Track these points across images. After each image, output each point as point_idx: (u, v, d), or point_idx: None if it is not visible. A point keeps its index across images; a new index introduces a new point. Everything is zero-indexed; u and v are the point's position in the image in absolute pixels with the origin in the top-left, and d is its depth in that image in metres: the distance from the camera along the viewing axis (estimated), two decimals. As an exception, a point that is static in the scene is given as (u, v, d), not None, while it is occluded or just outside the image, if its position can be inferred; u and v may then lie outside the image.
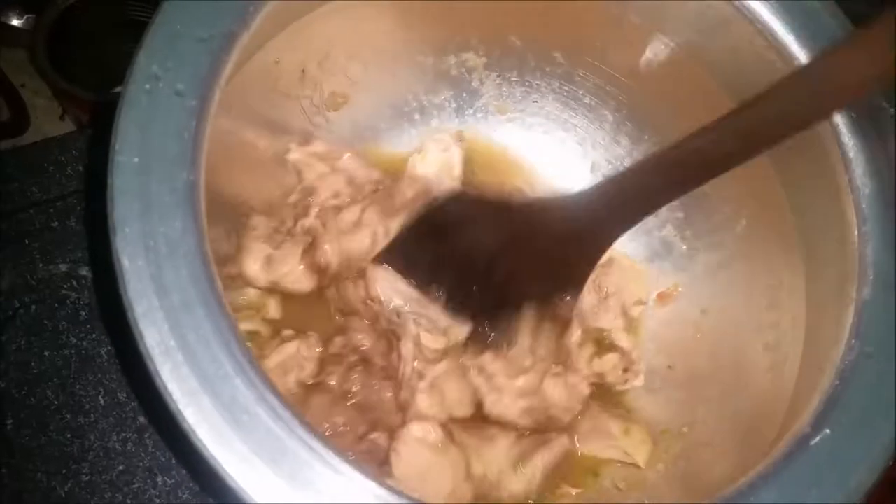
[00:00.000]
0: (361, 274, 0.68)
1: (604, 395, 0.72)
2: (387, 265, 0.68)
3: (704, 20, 0.62)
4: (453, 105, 0.81)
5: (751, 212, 0.69)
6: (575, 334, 0.71)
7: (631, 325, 0.75)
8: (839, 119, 0.56)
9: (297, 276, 0.68)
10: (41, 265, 0.75)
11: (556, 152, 0.81)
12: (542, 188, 0.80)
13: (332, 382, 0.65)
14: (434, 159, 0.76)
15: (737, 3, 0.60)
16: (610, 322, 0.73)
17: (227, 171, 0.63)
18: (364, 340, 0.67)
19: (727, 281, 0.72)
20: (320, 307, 0.71)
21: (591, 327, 0.73)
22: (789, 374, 0.58)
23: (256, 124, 0.67)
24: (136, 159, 0.45)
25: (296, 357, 0.65)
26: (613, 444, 0.68)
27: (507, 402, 0.67)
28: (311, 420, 0.60)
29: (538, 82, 0.79)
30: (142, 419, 0.69)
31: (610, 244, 0.63)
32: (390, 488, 0.42)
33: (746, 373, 0.66)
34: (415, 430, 0.61)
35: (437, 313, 0.68)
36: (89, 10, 1.13)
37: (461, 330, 0.68)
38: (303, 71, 0.70)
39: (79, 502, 0.67)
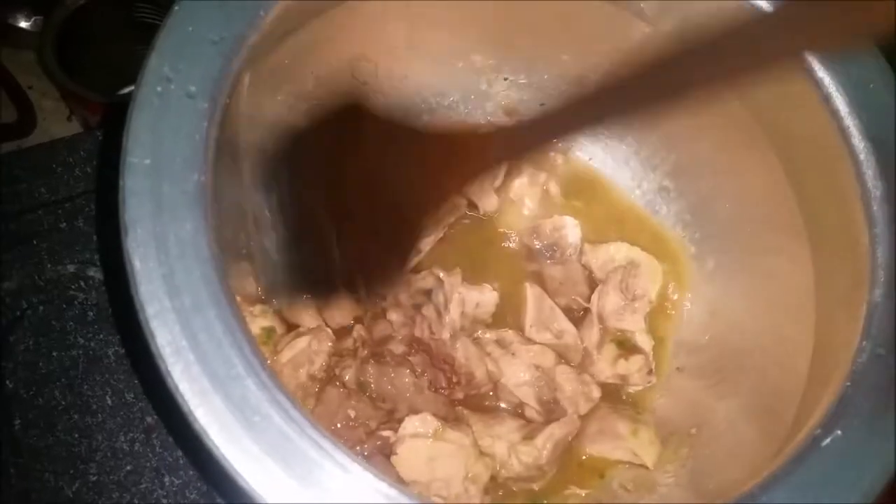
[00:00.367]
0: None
1: (612, 396, 0.72)
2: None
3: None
4: (461, 107, 0.81)
5: (759, 214, 0.69)
6: (594, 335, 0.72)
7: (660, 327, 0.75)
8: (850, 120, 0.56)
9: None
10: (49, 266, 0.75)
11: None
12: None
13: (347, 377, 0.65)
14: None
15: (747, 3, 0.59)
16: (634, 324, 0.73)
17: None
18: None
19: (736, 283, 0.72)
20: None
21: (612, 328, 0.73)
22: (799, 376, 0.58)
23: (264, 128, 0.67)
24: (148, 161, 0.45)
25: (307, 352, 0.65)
26: (621, 445, 0.67)
27: (520, 371, 0.68)
28: (323, 414, 0.63)
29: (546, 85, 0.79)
30: (149, 419, 0.70)
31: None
32: (400, 488, 0.42)
33: (755, 374, 0.66)
34: (408, 427, 0.62)
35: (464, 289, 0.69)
36: (97, 12, 1.13)
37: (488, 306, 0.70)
38: (312, 73, 0.70)
39: (86, 502, 0.67)
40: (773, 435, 0.56)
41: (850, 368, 0.50)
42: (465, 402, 0.68)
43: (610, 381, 0.71)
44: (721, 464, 0.62)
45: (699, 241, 0.76)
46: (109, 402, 0.71)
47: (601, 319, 0.72)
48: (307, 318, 0.68)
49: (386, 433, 0.63)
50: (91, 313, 0.74)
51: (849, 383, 0.50)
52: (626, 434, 0.67)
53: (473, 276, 0.72)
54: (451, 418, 0.66)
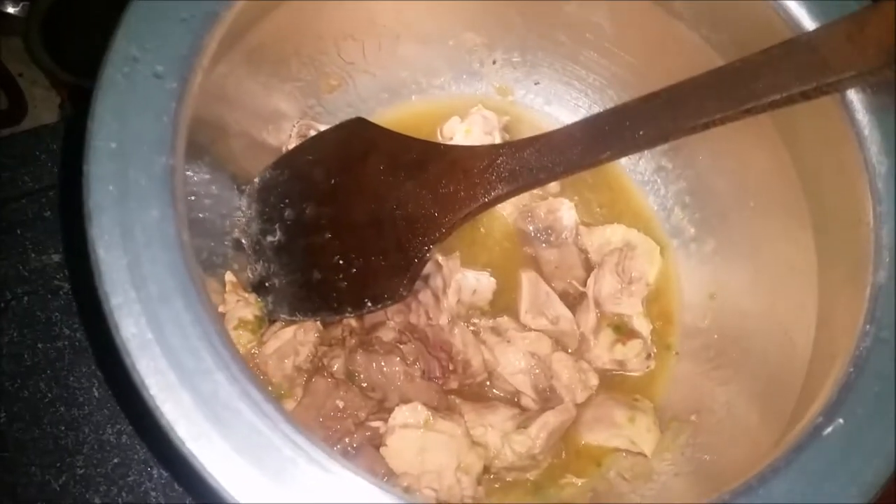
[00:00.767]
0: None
1: (609, 382, 0.70)
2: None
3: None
4: (453, 87, 0.79)
5: (759, 193, 0.66)
6: (590, 320, 0.70)
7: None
8: (853, 95, 0.54)
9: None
10: (34, 255, 0.74)
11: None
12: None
13: (335, 366, 0.64)
14: (476, 138, 0.74)
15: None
16: (631, 308, 0.71)
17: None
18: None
19: (736, 265, 0.70)
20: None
21: (610, 313, 0.71)
22: (800, 361, 0.56)
23: (245, 109, 0.65)
24: (113, 145, 0.43)
25: (293, 342, 0.64)
26: (619, 433, 0.66)
27: (515, 359, 0.67)
28: (311, 405, 0.61)
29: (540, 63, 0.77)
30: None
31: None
32: (381, 485, 0.41)
33: (755, 359, 0.64)
34: (398, 417, 0.60)
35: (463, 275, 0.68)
36: (84, -4, 1.11)
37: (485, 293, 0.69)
38: (295, 53, 0.68)
39: (74, 496, 0.66)
40: (774, 422, 0.54)
41: (854, 353, 0.48)
42: (459, 391, 0.67)
43: (607, 367, 0.70)
44: (721, 451, 0.61)
45: (699, 221, 0.74)
46: (96, 393, 0.69)
47: (598, 304, 0.70)
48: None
49: (375, 424, 0.61)
50: (77, 304, 0.72)
51: (852, 369, 0.48)
52: (624, 421, 0.66)
53: (467, 261, 0.71)
54: (442, 407, 0.64)
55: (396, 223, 0.64)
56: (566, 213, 0.73)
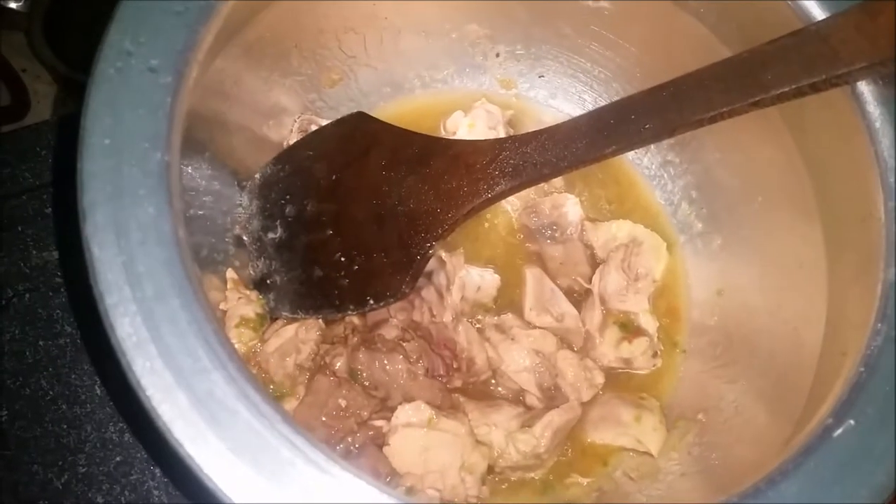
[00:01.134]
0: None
1: (615, 381, 0.69)
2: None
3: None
4: (456, 81, 0.78)
5: (767, 187, 0.65)
6: (596, 318, 0.69)
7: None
8: (863, 87, 0.52)
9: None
10: (35, 252, 0.73)
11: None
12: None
13: (337, 365, 0.63)
14: (479, 132, 0.73)
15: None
16: (637, 305, 0.70)
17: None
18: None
19: (744, 261, 0.69)
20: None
21: (616, 310, 0.70)
22: (809, 360, 0.55)
23: (245, 104, 0.64)
24: (108, 141, 0.43)
25: (294, 340, 0.63)
26: (625, 432, 0.65)
27: (520, 357, 0.66)
28: (313, 404, 0.60)
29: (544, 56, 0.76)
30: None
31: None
32: (381, 487, 0.40)
33: (763, 357, 0.63)
34: (401, 416, 0.59)
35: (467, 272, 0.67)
36: (87, -9, 1.11)
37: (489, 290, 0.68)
38: (295, 46, 0.67)
39: (76, 494, 0.65)
40: (782, 421, 0.53)
41: (865, 353, 0.47)
42: (463, 389, 0.66)
43: (613, 365, 0.69)
44: (728, 451, 0.60)
45: (706, 217, 0.72)
46: (98, 391, 0.69)
47: (603, 301, 0.69)
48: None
49: (378, 423, 0.60)
50: (72, 302, 0.72)
51: (863, 368, 0.47)
52: (630, 420, 0.65)
53: (471, 257, 0.70)
54: (446, 406, 0.63)
55: (399, 219, 0.63)
56: (571, 208, 0.72)
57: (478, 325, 0.68)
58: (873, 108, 0.52)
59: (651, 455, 0.64)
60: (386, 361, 0.63)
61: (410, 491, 0.58)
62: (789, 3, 0.55)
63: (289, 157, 0.67)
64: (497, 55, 0.76)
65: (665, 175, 0.75)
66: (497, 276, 0.70)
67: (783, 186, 0.62)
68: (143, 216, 0.41)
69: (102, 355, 0.68)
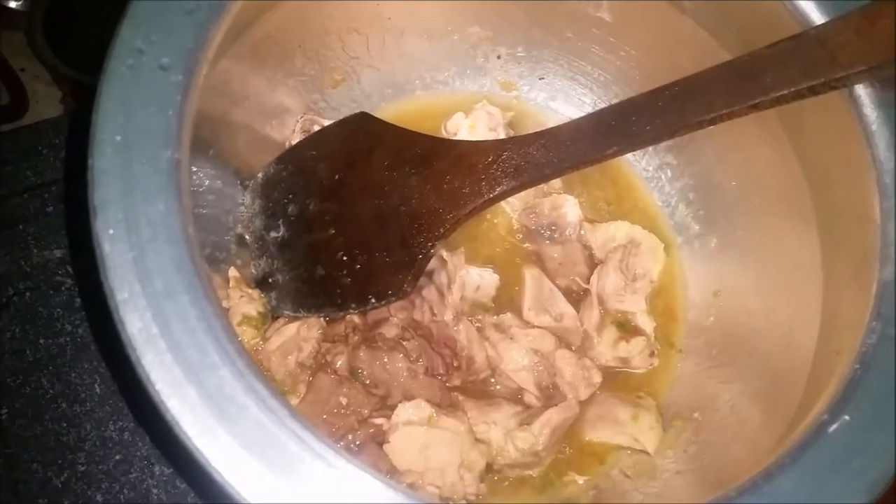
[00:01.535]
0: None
1: (613, 380, 0.70)
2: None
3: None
4: (457, 82, 0.78)
5: (764, 189, 0.66)
6: (594, 318, 0.69)
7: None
8: (861, 90, 0.53)
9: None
10: (35, 251, 0.74)
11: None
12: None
13: (338, 363, 0.63)
14: (480, 134, 0.74)
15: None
16: (635, 305, 0.71)
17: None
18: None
19: (740, 262, 0.70)
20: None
21: (613, 310, 0.71)
22: (804, 359, 0.56)
23: (249, 104, 0.64)
24: (118, 138, 0.43)
25: (296, 339, 0.63)
26: (622, 431, 0.66)
27: (518, 356, 0.66)
28: (314, 402, 0.61)
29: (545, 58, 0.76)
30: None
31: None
32: (386, 481, 0.40)
33: (759, 358, 0.63)
34: (401, 414, 0.60)
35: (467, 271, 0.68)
36: (87, -9, 1.11)
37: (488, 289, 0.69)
38: (300, 46, 0.67)
39: (75, 493, 0.65)
40: (777, 420, 0.54)
41: (859, 350, 0.48)
42: (462, 387, 0.66)
43: (611, 364, 0.69)
44: (724, 449, 0.60)
45: (703, 218, 0.73)
46: (98, 390, 0.69)
47: (601, 301, 0.70)
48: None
49: (379, 421, 0.61)
50: (79, 299, 0.72)
51: (858, 366, 0.47)
52: (627, 419, 0.65)
53: (470, 257, 0.70)
54: (445, 404, 0.64)
55: (401, 219, 0.63)
56: (570, 209, 0.73)
57: (477, 325, 0.68)
58: (870, 111, 0.53)
59: (647, 453, 0.65)
60: (386, 360, 0.63)
61: (410, 488, 0.58)
62: (788, 7, 0.56)
63: (292, 157, 0.67)
64: (498, 57, 0.77)
65: (663, 177, 0.76)
66: (496, 276, 0.70)
67: (780, 188, 0.63)
68: (153, 213, 0.41)
69: (111, 351, 0.69)
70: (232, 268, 0.64)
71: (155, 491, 0.66)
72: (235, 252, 0.66)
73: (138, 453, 0.67)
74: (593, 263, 0.73)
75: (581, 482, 0.65)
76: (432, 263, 0.67)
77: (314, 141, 0.68)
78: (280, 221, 0.65)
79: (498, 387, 0.68)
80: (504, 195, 0.63)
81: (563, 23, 0.72)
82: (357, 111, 0.70)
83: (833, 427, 0.46)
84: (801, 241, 0.60)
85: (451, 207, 0.62)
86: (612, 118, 0.59)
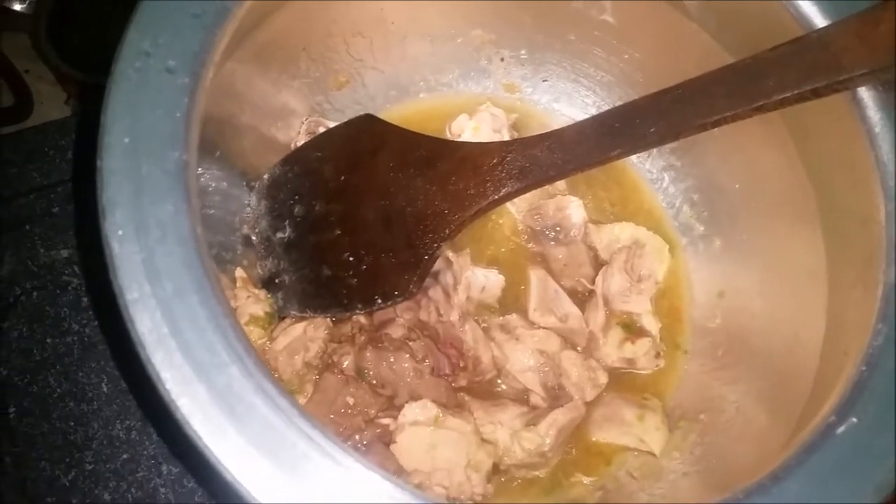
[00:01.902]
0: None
1: (618, 381, 0.70)
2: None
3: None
4: (461, 85, 0.79)
5: (768, 191, 0.66)
6: (599, 318, 0.70)
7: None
8: (864, 92, 0.53)
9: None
10: (42, 251, 0.74)
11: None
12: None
13: (345, 363, 0.64)
14: (484, 136, 0.74)
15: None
16: (640, 306, 0.71)
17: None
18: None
19: (745, 263, 0.70)
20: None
21: (619, 311, 0.71)
22: (810, 361, 0.56)
23: (255, 106, 0.65)
24: (127, 140, 0.43)
25: (303, 339, 0.64)
26: (628, 432, 0.66)
27: (524, 356, 0.67)
28: (321, 402, 0.61)
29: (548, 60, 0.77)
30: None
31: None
32: (394, 481, 0.41)
33: (765, 359, 0.63)
34: (408, 414, 0.60)
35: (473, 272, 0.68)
36: (92, -8, 1.11)
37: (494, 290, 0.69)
38: (304, 49, 0.68)
39: (83, 491, 0.66)
40: (783, 422, 0.54)
41: (866, 352, 0.48)
42: (468, 388, 0.67)
43: (616, 365, 0.69)
44: (730, 451, 0.60)
45: (707, 219, 0.73)
46: (105, 389, 0.70)
47: (606, 302, 0.70)
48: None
49: (385, 421, 0.61)
50: (85, 299, 0.72)
51: (864, 368, 0.47)
52: (633, 420, 0.66)
53: (476, 258, 0.71)
54: (452, 405, 0.64)
55: (406, 220, 0.64)
56: (575, 210, 0.73)
57: (483, 325, 0.68)
58: (873, 113, 0.53)
59: (654, 454, 0.65)
60: (393, 360, 0.63)
61: (418, 488, 0.58)
62: (791, 10, 0.56)
63: (297, 158, 0.68)
64: (501, 60, 0.77)
65: (667, 178, 0.76)
66: (501, 277, 0.70)
67: (784, 190, 0.63)
68: (162, 214, 0.42)
69: (118, 350, 0.69)
70: (239, 268, 0.65)
71: (162, 490, 0.66)
72: (242, 252, 0.66)
73: (146, 452, 0.67)
74: (598, 264, 0.73)
75: (587, 483, 0.65)
76: (438, 264, 0.67)
77: (319, 142, 0.69)
78: (286, 222, 0.65)
79: (504, 387, 0.68)
80: (509, 197, 0.63)
81: (567, 25, 0.73)
82: (361, 113, 0.70)
83: (840, 429, 0.46)
84: (806, 242, 0.60)
85: (456, 209, 0.63)
86: (616, 120, 0.59)
